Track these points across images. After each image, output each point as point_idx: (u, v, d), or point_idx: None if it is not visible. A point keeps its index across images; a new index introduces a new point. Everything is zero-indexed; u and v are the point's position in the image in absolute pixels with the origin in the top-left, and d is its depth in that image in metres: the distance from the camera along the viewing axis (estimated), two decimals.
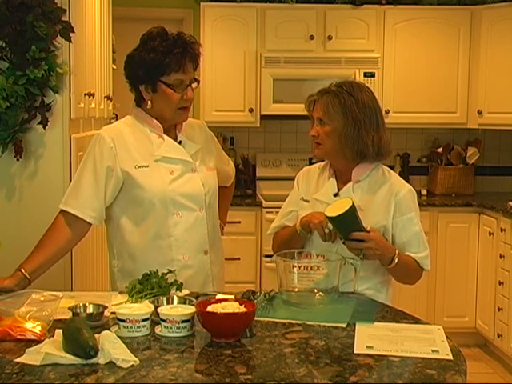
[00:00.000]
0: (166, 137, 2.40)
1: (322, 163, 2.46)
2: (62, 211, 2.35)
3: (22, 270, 2.22)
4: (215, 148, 2.62)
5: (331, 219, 2.15)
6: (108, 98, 3.93)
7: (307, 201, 2.40)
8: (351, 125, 2.26)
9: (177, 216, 2.38)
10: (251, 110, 4.89)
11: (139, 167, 2.35)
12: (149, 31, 2.36)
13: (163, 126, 2.40)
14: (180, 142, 2.44)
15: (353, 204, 2.12)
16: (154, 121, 2.39)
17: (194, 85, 2.37)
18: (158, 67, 2.30)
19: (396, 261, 2.21)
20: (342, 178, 2.37)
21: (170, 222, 2.37)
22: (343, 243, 2.19)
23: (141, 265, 2.31)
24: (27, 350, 1.68)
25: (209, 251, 2.45)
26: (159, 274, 2.16)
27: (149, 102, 2.35)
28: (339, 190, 2.34)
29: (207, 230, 2.44)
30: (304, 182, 2.47)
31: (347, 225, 2.15)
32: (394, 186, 2.32)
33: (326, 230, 2.20)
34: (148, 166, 2.36)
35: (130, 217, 2.39)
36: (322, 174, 2.43)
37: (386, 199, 2.30)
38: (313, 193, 2.40)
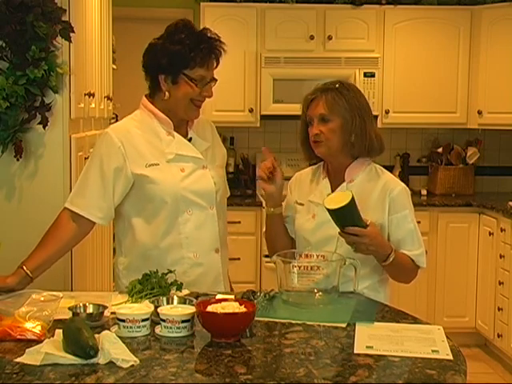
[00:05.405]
0: (175, 134, 2.38)
1: (314, 166, 2.47)
2: (66, 209, 2.33)
3: (24, 268, 2.21)
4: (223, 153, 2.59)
5: (330, 211, 2.15)
6: (108, 98, 3.93)
7: (302, 204, 2.40)
8: (357, 119, 2.28)
9: (187, 213, 2.35)
10: (251, 110, 4.89)
11: (150, 165, 2.32)
12: (175, 23, 2.34)
13: (173, 121, 2.37)
14: (190, 139, 2.41)
15: (352, 197, 2.12)
16: (165, 116, 2.36)
17: (213, 83, 2.36)
18: (183, 60, 2.28)
19: (391, 259, 2.21)
20: (336, 178, 2.37)
21: (180, 220, 2.34)
22: (339, 233, 2.19)
23: (151, 262, 2.28)
24: (27, 350, 1.68)
25: (220, 249, 2.43)
26: (159, 274, 2.16)
27: (166, 93, 2.32)
28: (333, 190, 2.34)
29: (218, 228, 2.41)
30: (296, 187, 2.48)
31: (345, 218, 2.16)
32: (388, 184, 2.33)
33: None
34: (159, 164, 2.33)
35: (141, 215, 2.36)
36: (315, 175, 2.44)
37: (381, 197, 2.30)
38: (307, 195, 2.40)
